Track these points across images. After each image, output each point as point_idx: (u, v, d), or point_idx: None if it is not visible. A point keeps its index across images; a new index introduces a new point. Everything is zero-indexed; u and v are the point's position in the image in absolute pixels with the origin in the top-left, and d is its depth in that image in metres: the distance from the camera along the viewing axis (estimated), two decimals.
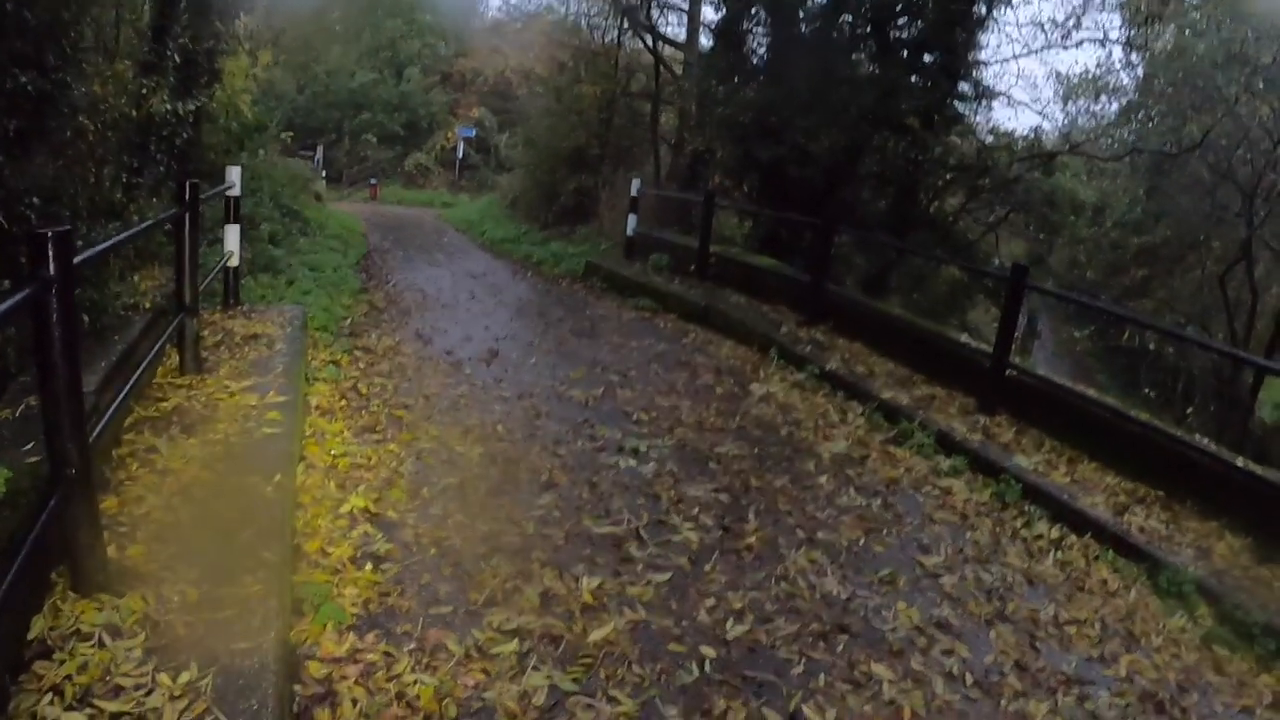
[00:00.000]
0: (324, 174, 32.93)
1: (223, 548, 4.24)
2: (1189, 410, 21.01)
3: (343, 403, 7.57)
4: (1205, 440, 7.86)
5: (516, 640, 4.38)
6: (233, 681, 3.34)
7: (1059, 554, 6.31)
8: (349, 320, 10.69)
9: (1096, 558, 6.31)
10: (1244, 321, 21.03)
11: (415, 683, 3.95)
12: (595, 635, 4.52)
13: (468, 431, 7.28)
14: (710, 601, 5.04)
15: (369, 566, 4.89)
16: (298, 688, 3.79)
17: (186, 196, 6.58)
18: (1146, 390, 22.79)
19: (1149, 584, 6.00)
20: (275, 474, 5.11)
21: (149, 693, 3.26)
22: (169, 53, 9.22)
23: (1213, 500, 6.93)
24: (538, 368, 9.42)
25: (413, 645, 4.24)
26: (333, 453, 6.33)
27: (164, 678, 3.32)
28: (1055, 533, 6.60)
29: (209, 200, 8.37)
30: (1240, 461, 7.23)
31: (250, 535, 4.39)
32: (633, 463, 6.97)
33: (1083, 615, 5.52)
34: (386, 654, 4.14)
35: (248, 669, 3.42)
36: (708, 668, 4.42)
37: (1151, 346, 23.08)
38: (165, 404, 6.03)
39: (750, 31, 17.59)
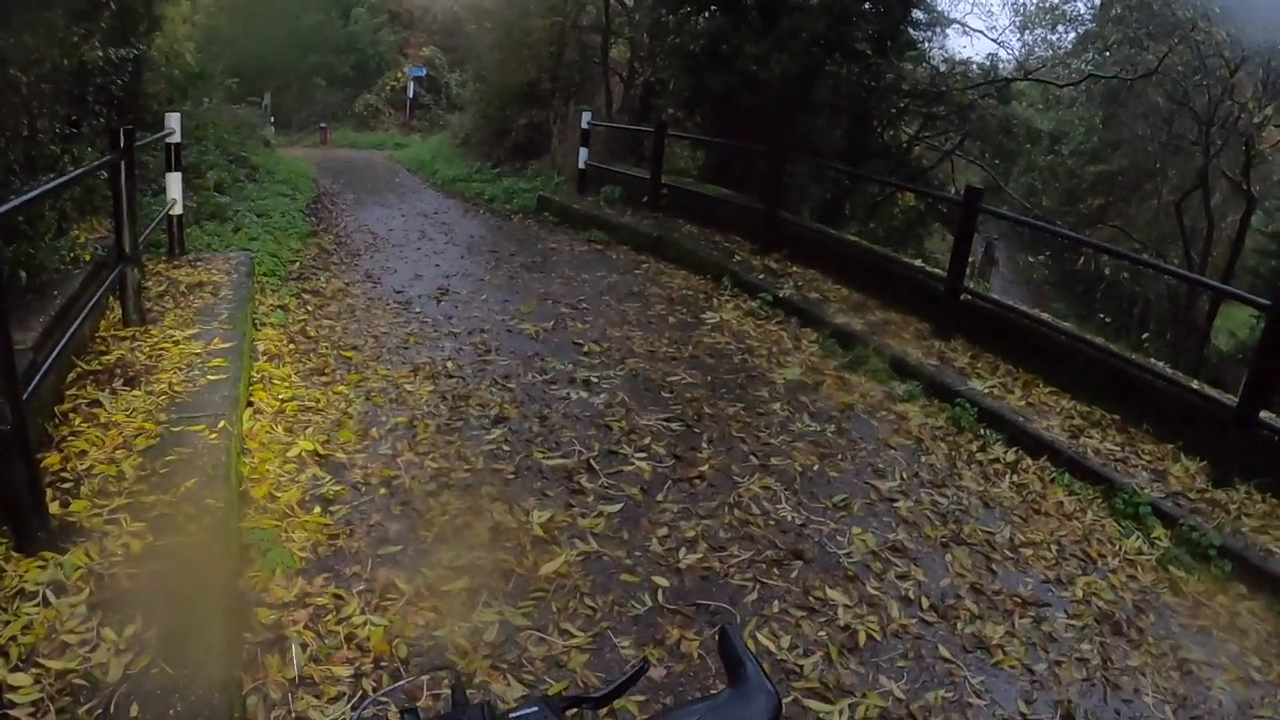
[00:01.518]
0: (273, 120, 32.20)
1: (166, 498, 4.19)
2: (1144, 336, 21.20)
3: (290, 346, 7.46)
4: (1160, 364, 7.89)
5: (467, 577, 4.35)
6: (178, 632, 3.30)
7: (1015, 477, 6.34)
8: (297, 264, 10.54)
9: (1052, 480, 6.35)
10: (1200, 249, 21.21)
11: (365, 624, 3.92)
12: (546, 569, 4.51)
13: (417, 370, 7.22)
14: (663, 531, 5.04)
15: (317, 509, 4.84)
16: (247, 635, 3.73)
17: (121, 143, 6.42)
18: (1102, 316, 22.95)
19: (1105, 506, 6.05)
20: (220, 421, 5.05)
21: (94, 648, 3.23)
22: None
23: (1169, 424, 6.98)
24: (488, 303, 9.31)
25: (362, 587, 4.20)
26: (280, 397, 6.24)
27: (109, 632, 3.29)
28: (1011, 456, 6.62)
29: (147, 147, 8.21)
30: (1196, 384, 7.27)
31: (194, 484, 4.34)
32: (584, 394, 6.93)
33: (1039, 537, 5.56)
34: (336, 597, 4.10)
35: (193, 618, 3.38)
36: (660, 597, 4.42)
37: (1107, 273, 23.24)
38: (108, 357, 5.95)
39: None
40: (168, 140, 8.56)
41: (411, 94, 39.13)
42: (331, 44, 40.05)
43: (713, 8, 16.47)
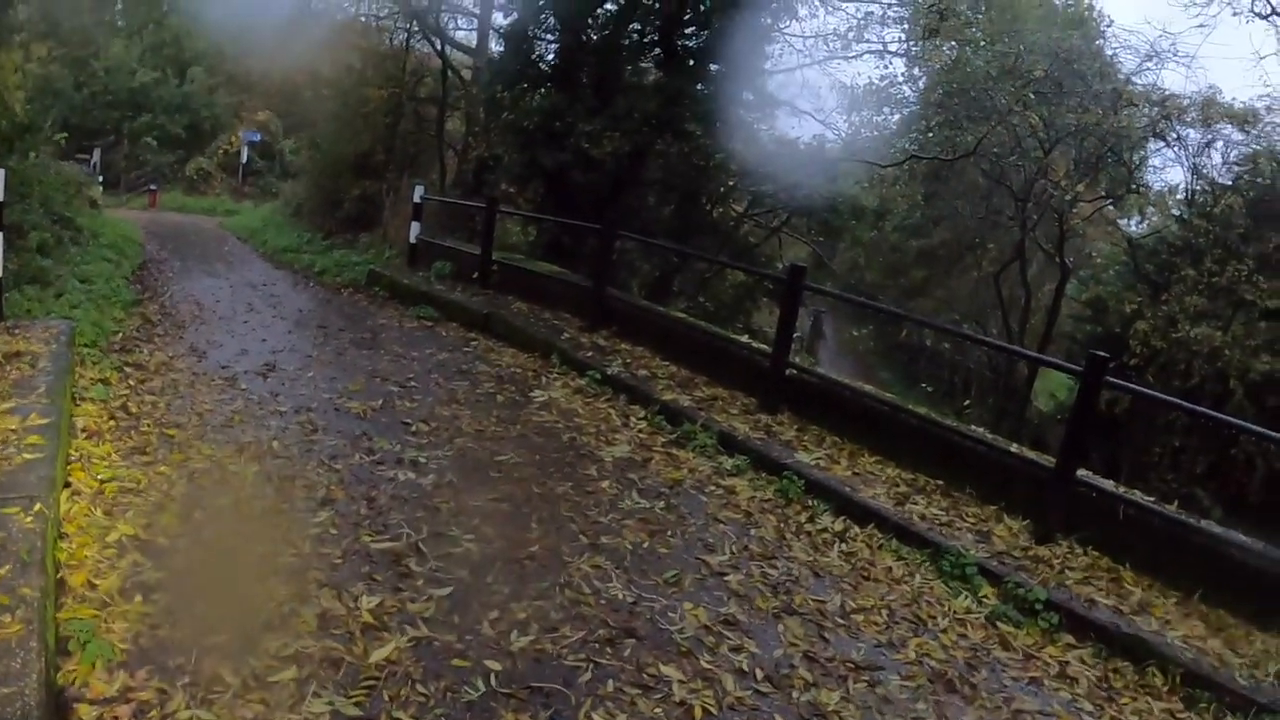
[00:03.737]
0: (101, 179, 30.97)
1: None
2: (966, 403, 22.00)
3: (111, 423, 7.10)
4: (980, 430, 8.21)
5: (295, 666, 4.21)
6: None
7: (843, 545, 6.45)
8: (120, 335, 10.09)
9: (880, 547, 6.48)
10: (1018, 317, 22.20)
11: (191, 719, 3.76)
12: (376, 656, 4.38)
13: (242, 449, 6.95)
14: (494, 614, 4.93)
15: (139, 597, 4.59)
16: None
17: None
18: (925, 385, 23.77)
19: (933, 569, 6.22)
20: (36, 504, 4.79)
21: None
22: None
23: (991, 486, 7.24)
24: (315, 381, 9.07)
25: (187, 679, 4.01)
26: (100, 477, 5.93)
27: None
28: (839, 525, 6.73)
29: None
30: (1014, 448, 7.60)
31: (8, 571, 4.12)
32: (412, 475, 6.76)
33: (869, 603, 5.66)
34: (160, 691, 3.92)
35: (7, 717, 3.21)
36: (493, 681, 4.33)
37: (928, 343, 24.10)
38: None
39: (539, 38, 17.49)
40: None
41: (245, 159, 38.36)
42: (166, 103, 38.91)
43: (548, 85, 16.67)
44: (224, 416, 7.72)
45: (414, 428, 7.85)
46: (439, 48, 20.72)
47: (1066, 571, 6.21)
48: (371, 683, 4.18)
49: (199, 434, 7.21)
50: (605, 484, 7.00)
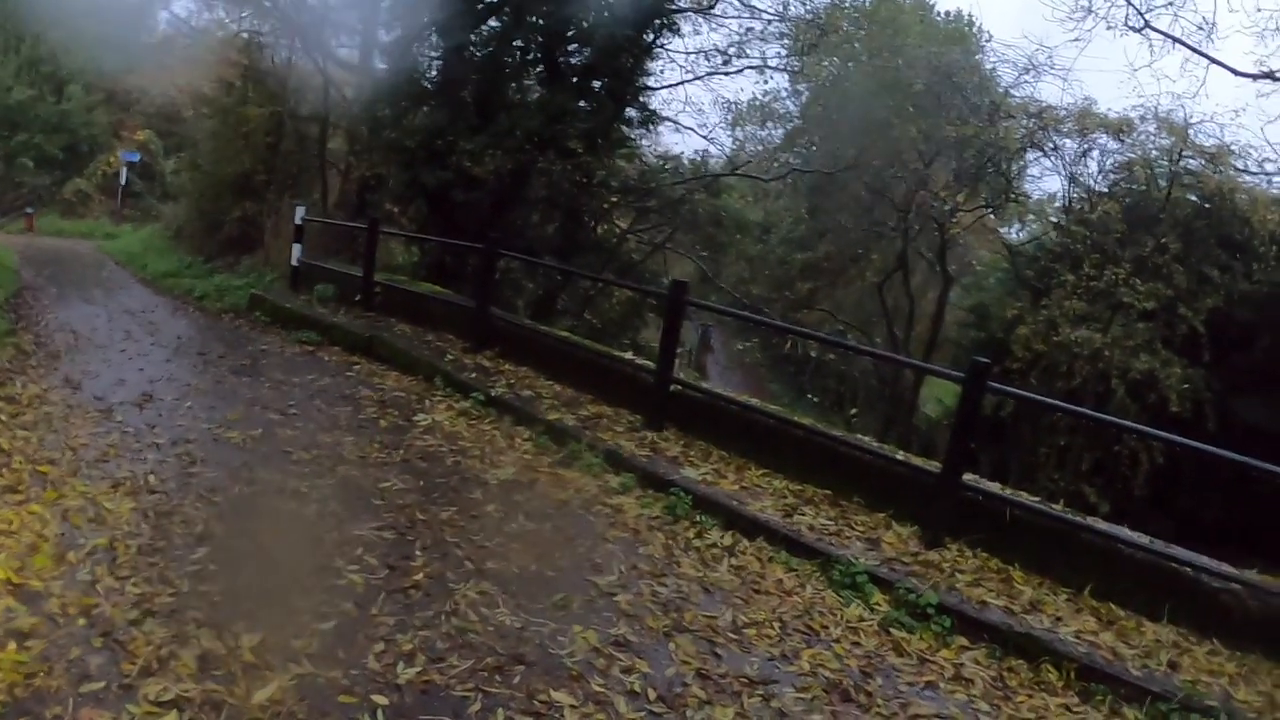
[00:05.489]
0: None
1: None
2: (853, 412, 22.32)
3: None
4: (866, 439, 8.33)
5: (175, 712, 4.09)
6: None
7: (733, 559, 6.47)
8: None
9: (770, 559, 6.52)
10: (903, 326, 22.59)
11: None
12: (259, 696, 4.27)
13: (117, 485, 6.73)
14: (379, 646, 4.85)
15: (11, 645, 4.42)
16: None
17: None
18: (810, 396, 24.06)
19: (824, 579, 6.28)
20: None
21: None
22: None
23: (879, 494, 7.36)
24: (194, 410, 8.82)
25: None
26: None
27: None
28: (728, 539, 6.76)
29: None
30: (901, 455, 7.71)
31: None
32: (294, 505, 6.63)
33: (761, 616, 5.69)
34: None
35: None
36: (381, 716, 4.26)
37: (813, 355, 24.40)
38: None
39: (422, 54, 17.39)
40: None
41: (124, 180, 37.31)
42: (43, 121, 37.57)
43: (431, 102, 16.54)
44: (99, 451, 7.48)
45: (295, 456, 7.69)
46: (321, 64, 20.40)
47: (957, 575, 6.34)
48: None
49: (73, 470, 6.98)
50: (490, 507, 6.93)
